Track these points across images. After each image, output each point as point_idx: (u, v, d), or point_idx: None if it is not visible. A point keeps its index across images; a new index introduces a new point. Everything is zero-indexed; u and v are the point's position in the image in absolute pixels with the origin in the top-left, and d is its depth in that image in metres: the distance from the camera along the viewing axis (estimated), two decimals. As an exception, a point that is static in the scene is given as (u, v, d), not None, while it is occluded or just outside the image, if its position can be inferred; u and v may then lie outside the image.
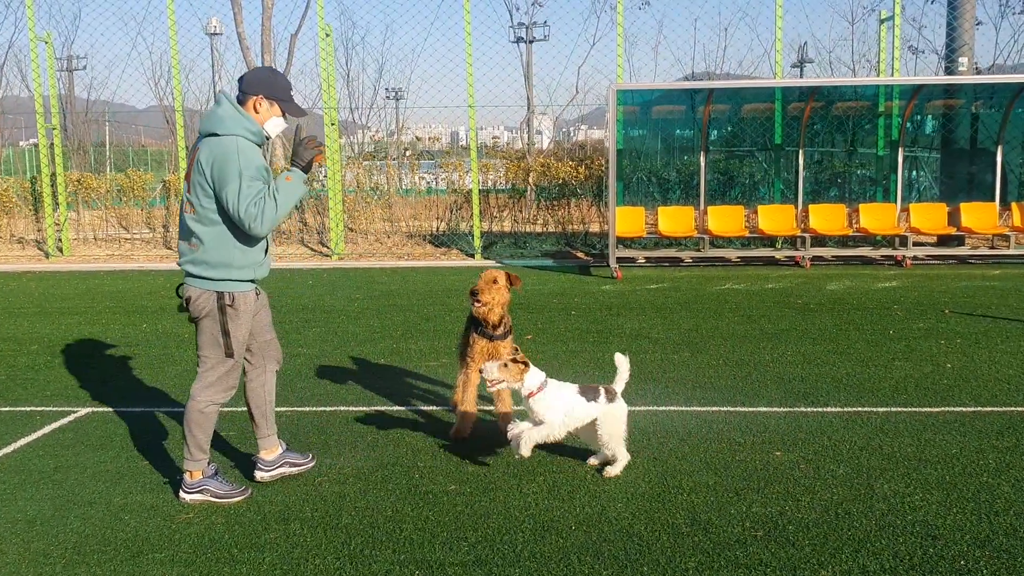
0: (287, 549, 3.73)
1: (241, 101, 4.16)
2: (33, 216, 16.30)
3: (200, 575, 3.51)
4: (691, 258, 13.53)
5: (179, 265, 4.20)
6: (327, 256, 14.69)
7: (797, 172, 13.48)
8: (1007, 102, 12.76)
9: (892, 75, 13.45)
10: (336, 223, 14.50)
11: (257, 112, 4.15)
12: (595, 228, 16.08)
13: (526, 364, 4.35)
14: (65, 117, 32.74)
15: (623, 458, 4.51)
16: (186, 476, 4.28)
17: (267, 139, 4.23)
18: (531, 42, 37.45)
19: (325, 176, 15.01)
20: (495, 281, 5.06)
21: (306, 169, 4.14)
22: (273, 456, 4.52)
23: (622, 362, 4.57)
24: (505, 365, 4.33)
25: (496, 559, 3.59)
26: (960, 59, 13.36)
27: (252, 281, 4.22)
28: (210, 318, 4.14)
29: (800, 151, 13.40)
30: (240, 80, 4.20)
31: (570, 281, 11.86)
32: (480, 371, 4.41)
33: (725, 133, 14.63)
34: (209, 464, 4.33)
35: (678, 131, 14.83)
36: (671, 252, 13.50)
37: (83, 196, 16.36)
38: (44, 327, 8.87)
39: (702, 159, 13.62)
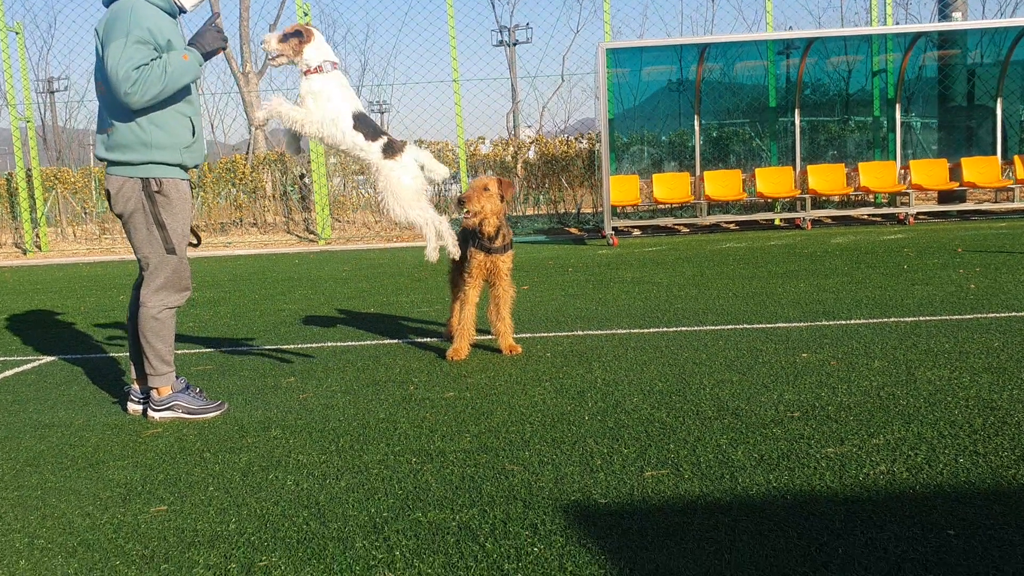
0: (267, 450, 3.30)
1: None
2: (9, 214, 15.82)
3: (166, 476, 3.08)
4: (687, 227, 13.17)
5: (97, 158, 3.74)
6: (313, 242, 14.28)
7: (794, 133, 13.14)
8: (1006, 51, 12.47)
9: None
10: (322, 207, 14.08)
11: None
12: (587, 209, 15.73)
13: (309, 36, 3.66)
14: (45, 136, 32.24)
15: (425, 222, 3.70)
16: (153, 393, 3.84)
17: (181, 11, 3.77)
18: (514, 45, 37.32)
19: (310, 179, 14.59)
20: (486, 188, 4.63)
21: (205, 56, 3.67)
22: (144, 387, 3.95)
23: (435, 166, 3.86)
24: (285, 37, 3.67)
25: (503, 446, 3.17)
26: (954, 14, 13.07)
27: (182, 167, 3.73)
28: (139, 212, 3.66)
29: (796, 110, 13.06)
30: None
31: (565, 250, 11.47)
32: (262, 43, 3.73)
33: (718, 104, 14.27)
34: (178, 378, 3.90)
35: (664, 137, 14.46)
36: (667, 221, 13.13)
37: (61, 192, 15.89)
38: (16, 303, 8.42)
39: (696, 123, 13.28)
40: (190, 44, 3.68)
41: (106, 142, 3.66)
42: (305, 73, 3.67)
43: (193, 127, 3.75)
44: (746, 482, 2.70)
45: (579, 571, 2.16)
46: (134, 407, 3.95)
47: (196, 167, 3.87)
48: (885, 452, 2.89)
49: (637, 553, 2.24)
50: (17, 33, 14.25)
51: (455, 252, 4.03)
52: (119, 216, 3.77)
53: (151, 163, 3.62)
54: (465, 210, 4.57)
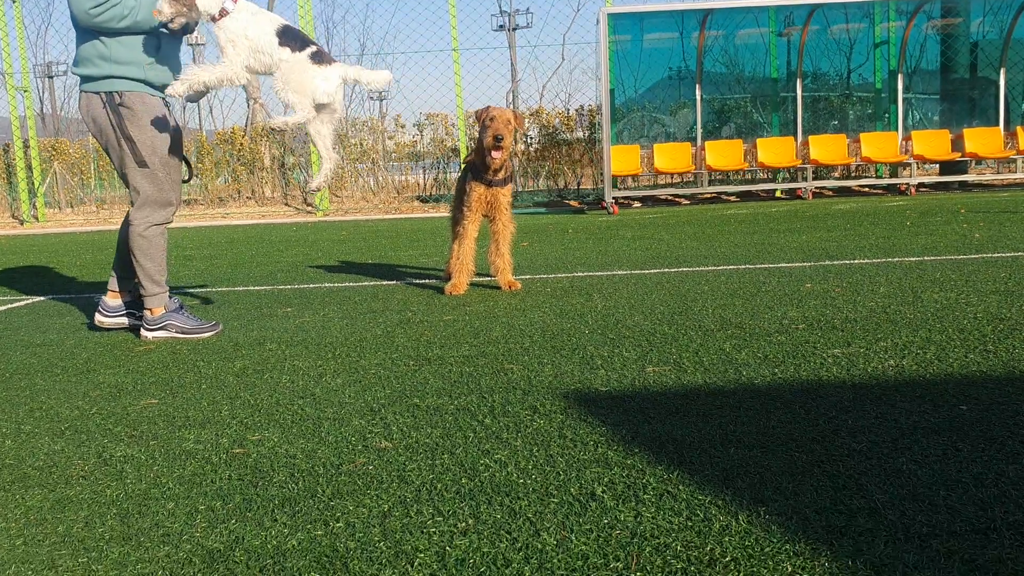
0: (262, 358, 3.24)
1: None
2: (7, 185, 15.71)
3: (157, 379, 3.01)
4: (688, 198, 13.08)
5: (72, 74, 3.66)
6: (311, 213, 14.18)
7: (796, 104, 13.04)
8: (1010, 20, 12.37)
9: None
10: (320, 178, 13.96)
11: None
12: (587, 185, 15.63)
13: None
14: (44, 119, 32.07)
15: (304, 109, 3.41)
16: (146, 313, 3.78)
17: None
18: (514, 29, 37.23)
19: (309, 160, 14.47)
20: (509, 122, 4.55)
21: (163, 24, 3.53)
22: (116, 302, 3.93)
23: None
24: None
25: (501, 352, 3.11)
26: (958, -16, 12.95)
27: (146, 83, 3.62)
28: (109, 128, 3.60)
29: (798, 80, 12.96)
30: None
31: (565, 219, 11.39)
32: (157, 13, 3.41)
33: (720, 78, 14.15)
34: (172, 298, 3.83)
35: (666, 115, 14.34)
36: (668, 191, 13.04)
37: (59, 166, 15.78)
38: (10, 260, 8.35)
39: (697, 92, 13.18)
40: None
41: (75, 59, 3.62)
42: (213, 21, 3.41)
43: (160, 44, 3.64)
44: (750, 375, 2.63)
45: (579, 439, 2.10)
46: (100, 318, 3.90)
47: (166, 87, 3.76)
48: (893, 352, 2.83)
49: (638, 426, 2.18)
50: (14, 1, 14.12)
51: (317, 187, 3.85)
52: (95, 137, 3.70)
53: (111, 77, 3.55)
54: (498, 148, 4.46)
